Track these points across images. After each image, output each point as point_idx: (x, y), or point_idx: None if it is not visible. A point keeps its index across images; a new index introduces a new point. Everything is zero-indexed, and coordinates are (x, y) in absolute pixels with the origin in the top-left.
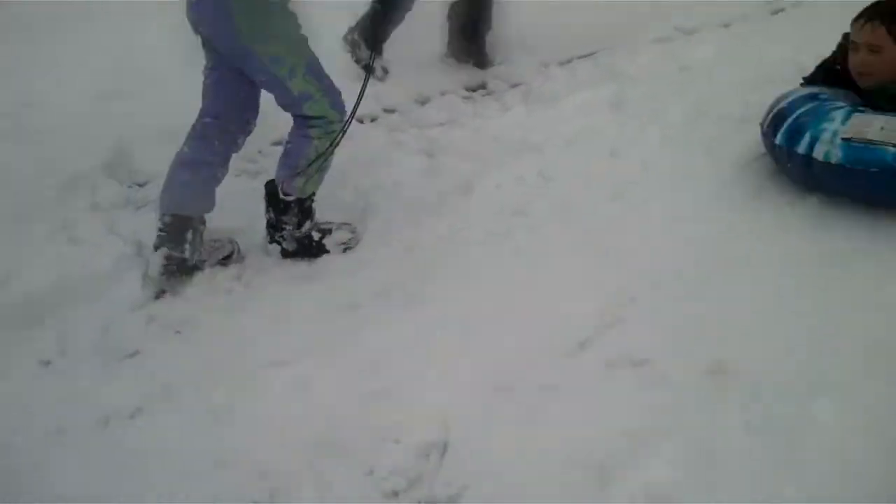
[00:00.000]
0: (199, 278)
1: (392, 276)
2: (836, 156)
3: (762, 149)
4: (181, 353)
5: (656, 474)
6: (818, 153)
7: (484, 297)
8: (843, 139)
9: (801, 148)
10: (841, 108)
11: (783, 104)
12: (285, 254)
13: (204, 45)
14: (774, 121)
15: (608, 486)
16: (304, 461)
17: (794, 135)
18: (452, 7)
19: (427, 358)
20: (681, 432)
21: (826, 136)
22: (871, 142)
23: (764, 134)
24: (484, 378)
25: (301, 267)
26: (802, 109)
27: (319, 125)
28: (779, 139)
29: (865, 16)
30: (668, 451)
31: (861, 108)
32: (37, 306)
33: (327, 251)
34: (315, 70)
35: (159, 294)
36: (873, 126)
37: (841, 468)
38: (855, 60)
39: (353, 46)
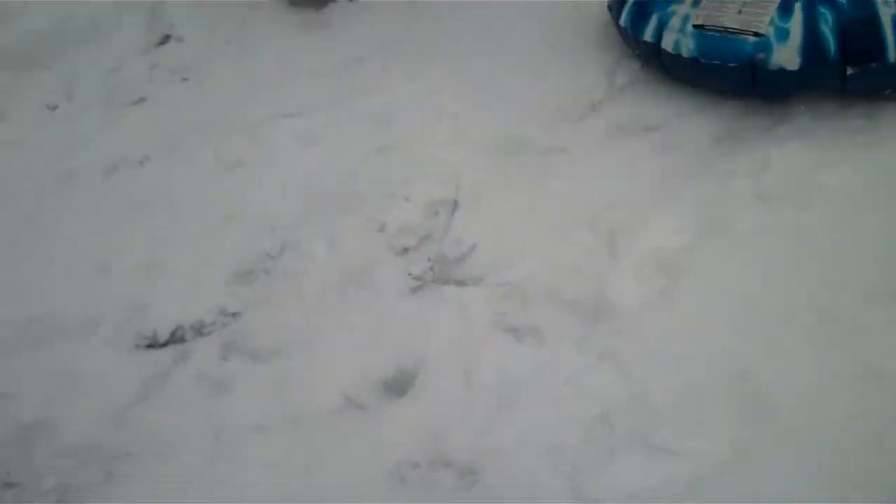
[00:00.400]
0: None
1: (400, 29)
2: (688, 47)
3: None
4: (188, 101)
5: (666, 239)
6: (667, 43)
7: (494, 56)
8: (694, 26)
9: (648, 35)
10: None
11: None
12: (292, 0)
13: None
14: None
15: (617, 250)
16: (315, 215)
17: (639, 17)
18: None
19: (436, 115)
20: (691, 199)
21: (675, 21)
22: (727, 30)
23: (609, 8)
24: (494, 137)
25: (307, 15)
26: None
27: None
28: (623, 20)
29: None
30: (678, 216)
31: None
32: (39, 49)
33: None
34: None
35: (163, 40)
36: (729, 9)
37: (851, 231)
38: None
39: None
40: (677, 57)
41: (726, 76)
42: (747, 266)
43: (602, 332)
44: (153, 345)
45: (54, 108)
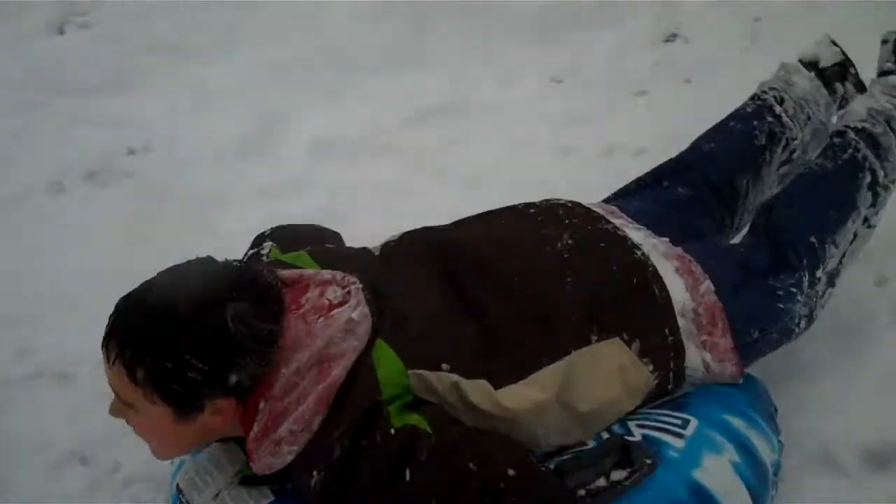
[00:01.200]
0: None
1: None
2: None
3: None
4: (689, 103)
5: None
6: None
7: None
8: (177, 486)
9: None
10: None
11: None
12: None
13: None
14: None
15: None
16: None
17: None
18: None
19: None
20: None
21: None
22: None
23: None
24: None
25: None
26: None
27: None
28: None
29: (106, 339)
30: None
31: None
32: (552, 25)
33: None
34: None
35: (669, 37)
36: (210, 487)
37: None
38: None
39: None
40: None
41: None
42: None
43: None
44: None
45: (559, 82)
